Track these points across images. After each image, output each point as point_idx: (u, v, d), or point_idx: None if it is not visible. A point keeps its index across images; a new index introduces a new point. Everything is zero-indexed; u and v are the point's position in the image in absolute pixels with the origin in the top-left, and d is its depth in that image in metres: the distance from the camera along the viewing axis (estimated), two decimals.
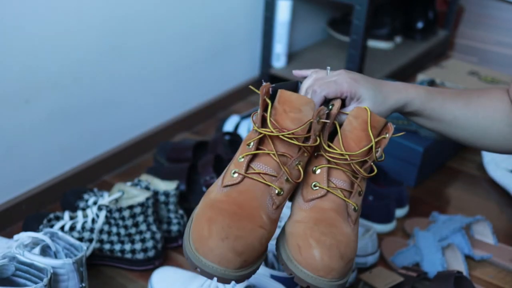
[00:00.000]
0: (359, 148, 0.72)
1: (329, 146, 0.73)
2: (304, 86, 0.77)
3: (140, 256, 1.04)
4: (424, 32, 2.15)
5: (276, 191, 0.71)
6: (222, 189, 0.71)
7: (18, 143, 1.13)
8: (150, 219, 1.03)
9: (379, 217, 1.20)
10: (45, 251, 0.87)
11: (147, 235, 1.03)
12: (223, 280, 0.66)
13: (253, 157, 0.72)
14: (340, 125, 0.74)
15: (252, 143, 0.72)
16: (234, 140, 1.34)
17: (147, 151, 1.44)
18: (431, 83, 1.51)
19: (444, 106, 0.79)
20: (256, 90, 0.72)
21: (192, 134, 1.55)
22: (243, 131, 1.42)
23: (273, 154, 0.71)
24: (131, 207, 1.00)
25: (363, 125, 0.72)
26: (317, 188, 0.72)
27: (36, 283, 0.80)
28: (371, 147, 0.72)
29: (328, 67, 0.78)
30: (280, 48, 1.72)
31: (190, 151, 1.29)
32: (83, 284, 0.87)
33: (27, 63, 1.09)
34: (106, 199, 1.03)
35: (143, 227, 1.03)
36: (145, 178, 1.11)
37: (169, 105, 1.49)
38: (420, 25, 2.15)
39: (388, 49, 2.04)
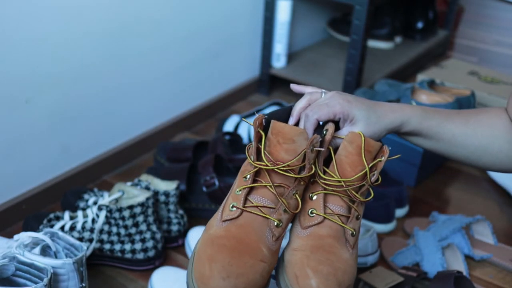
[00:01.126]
0: (355, 173, 0.71)
1: (324, 173, 0.73)
2: (296, 108, 0.77)
3: (140, 256, 1.04)
4: (424, 32, 2.15)
5: (275, 223, 0.71)
6: (221, 224, 0.71)
7: (18, 143, 1.13)
8: (150, 219, 1.03)
9: (379, 217, 1.20)
10: (45, 251, 0.87)
11: (147, 235, 1.03)
12: None
13: (251, 189, 0.72)
14: (335, 149, 0.74)
15: (248, 176, 0.72)
16: (234, 140, 1.34)
17: (147, 151, 1.44)
18: (431, 83, 1.51)
19: (442, 125, 0.78)
20: (249, 123, 0.73)
21: (192, 134, 1.55)
22: (243, 131, 1.42)
23: (270, 186, 0.71)
24: (131, 207, 1.00)
25: (358, 150, 0.72)
26: (314, 215, 0.73)
27: (36, 283, 0.80)
28: (367, 171, 0.71)
29: (323, 90, 0.78)
30: (280, 48, 1.72)
31: (190, 151, 1.29)
32: (83, 284, 0.87)
33: (27, 63, 1.09)
34: (106, 199, 1.03)
35: (143, 227, 1.03)
36: (145, 178, 1.11)
37: (169, 105, 1.49)
38: (420, 25, 2.15)
39: (388, 49, 2.04)
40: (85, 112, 1.24)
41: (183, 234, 1.12)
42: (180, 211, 1.12)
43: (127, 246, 1.03)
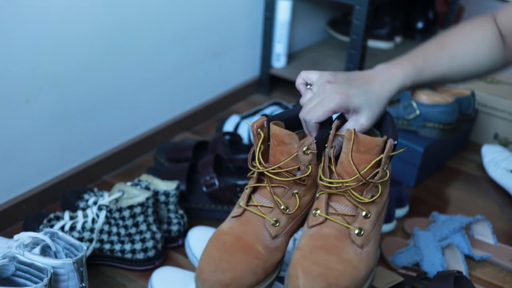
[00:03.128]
0: (360, 170, 0.70)
1: (331, 174, 0.72)
2: (297, 83, 0.79)
3: (140, 256, 1.04)
4: (424, 32, 2.15)
5: (271, 223, 0.74)
6: (230, 219, 0.77)
7: (18, 143, 1.13)
8: (150, 219, 1.03)
9: None
10: (45, 251, 0.87)
11: (147, 235, 1.03)
12: None
13: (256, 188, 0.76)
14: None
15: (255, 174, 0.76)
16: (234, 140, 1.34)
17: (147, 151, 1.44)
18: None
19: (434, 74, 0.79)
20: (250, 124, 0.76)
21: (192, 134, 1.55)
22: (243, 131, 1.42)
23: (268, 186, 0.74)
24: (131, 207, 1.00)
25: (356, 147, 0.70)
26: (317, 215, 0.73)
27: (36, 283, 0.80)
28: (372, 167, 0.70)
29: (309, 87, 0.77)
30: (280, 48, 1.72)
31: (190, 151, 1.29)
32: (83, 284, 0.87)
33: (28, 63, 1.09)
34: (106, 199, 1.03)
35: (143, 227, 1.03)
36: (145, 178, 1.11)
37: (169, 105, 1.49)
38: (420, 25, 2.15)
39: (388, 49, 2.03)
40: (85, 112, 1.24)
41: (183, 234, 1.12)
42: (180, 211, 1.12)
43: (127, 246, 1.03)
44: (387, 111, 0.77)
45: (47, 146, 1.19)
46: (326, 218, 0.72)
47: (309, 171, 0.73)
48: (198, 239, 1.08)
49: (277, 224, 0.74)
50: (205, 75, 1.57)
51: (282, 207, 0.74)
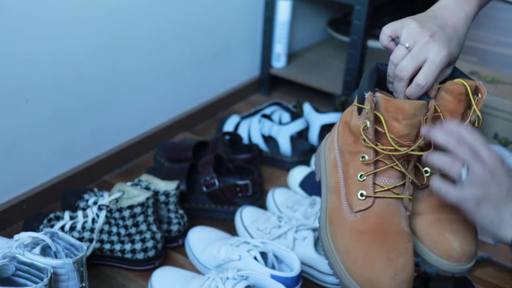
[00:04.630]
0: (457, 119, 0.72)
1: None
2: (383, 38, 0.78)
3: (140, 256, 1.04)
4: None
5: (408, 199, 0.71)
6: (355, 215, 0.70)
7: (18, 143, 1.13)
8: (150, 219, 1.03)
9: None
10: (45, 251, 0.87)
11: (147, 235, 1.03)
12: None
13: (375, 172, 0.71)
14: None
15: (366, 157, 0.70)
16: (234, 140, 1.34)
17: (147, 151, 1.44)
18: None
19: None
20: (364, 106, 0.71)
21: (192, 134, 1.55)
22: (243, 131, 1.42)
23: (396, 165, 0.69)
24: (131, 207, 1.00)
25: (458, 97, 0.71)
26: (429, 173, 0.72)
27: (36, 283, 0.80)
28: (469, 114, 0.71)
29: (407, 45, 0.76)
30: (280, 48, 1.72)
31: (190, 151, 1.29)
32: (83, 284, 0.87)
33: (28, 63, 1.09)
34: (106, 199, 1.03)
35: (143, 227, 1.03)
36: (145, 178, 1.11)
37: (169, 105, 1.49)
38: None
39: None
40: (85, 112, 1.24)
41: (183, 234, 1.12)
42: (180, 211, 1.12)
43: (127, 246, 1.03)
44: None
45: (47, 146, 1.19)
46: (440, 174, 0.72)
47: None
48: (198, 239, 1.08)
49: (411, 197, 0.72)
50: (205, 75, 1.57)
51: (411, 180, 0.71)
